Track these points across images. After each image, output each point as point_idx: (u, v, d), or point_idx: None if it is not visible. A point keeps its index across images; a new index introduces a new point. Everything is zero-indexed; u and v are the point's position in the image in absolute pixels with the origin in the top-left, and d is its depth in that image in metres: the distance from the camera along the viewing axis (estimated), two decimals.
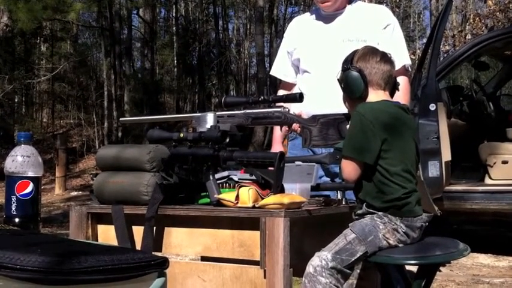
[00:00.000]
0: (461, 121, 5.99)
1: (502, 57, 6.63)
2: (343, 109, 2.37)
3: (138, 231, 2.14)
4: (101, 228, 2.28)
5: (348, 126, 2.27)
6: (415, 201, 2.13)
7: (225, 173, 2.16)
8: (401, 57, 2.79)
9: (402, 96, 2.69)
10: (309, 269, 2.02)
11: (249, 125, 2.42)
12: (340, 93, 2.30)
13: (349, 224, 2.12)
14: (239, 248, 2.00)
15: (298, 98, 2.42)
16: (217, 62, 20.65)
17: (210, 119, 2.27)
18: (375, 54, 2.22)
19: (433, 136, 4.96)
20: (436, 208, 2.22)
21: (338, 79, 2.24)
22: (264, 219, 1.91)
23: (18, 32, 16.29)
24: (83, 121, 19.45)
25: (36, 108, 21.48)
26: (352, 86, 2.19)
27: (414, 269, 2.28)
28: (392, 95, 2.26)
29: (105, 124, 18.17)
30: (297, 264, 2.00)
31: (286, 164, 2.10)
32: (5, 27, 15.21)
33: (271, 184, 2.03)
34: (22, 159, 1.84)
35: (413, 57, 10.02)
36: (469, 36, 11.21)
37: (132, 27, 20.75)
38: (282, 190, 2.06)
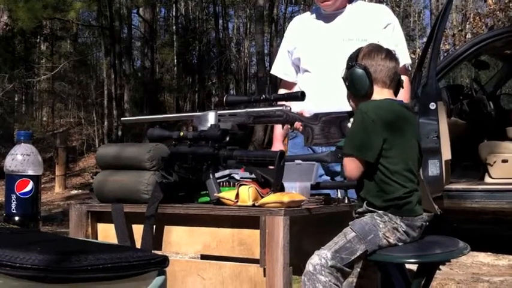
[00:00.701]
0: (461, 120, 5.99)
1: (502, 56, 6.63)
2: (343, 108, 2.36)
3: (138, 230, 2.14)
4: (101, 227, 2.29)
5: (350, 124, 2.27)
6: (415, 201, 2.13)
7: (226, 172, 2.16)
8: (402, 57, 2.79)
9: (403, 95, 2.68)
10: (309, 267, 2.02)
11: (251, 123, 2.42)
12: (341, 92, 2.30)
13: (350, 223, 2.12)
14: (239, 246, 2.00)
15: (300, 96, 2.42)
16: (217, 61, 20.65)
17: (211, 117, 2.27)
18: (380, 51, 2.21)
19: (433, 135, 4.95)
20: (436, 207, 2.22)
21: (342, 77, 2.23)
22: (263, 217, 1.91)
23: (18, 31, 16.29)
24: (82, 120, 19.47)
25: (36, 107, 21.50)
26: (357, 83, 2.18)
27: (414, 267, 2.28)
28: (396, 92, 2.25)
29: (105, 123, 18.18)
30: (297, 263, 2.00)
31: (286, 163, 2.10)
32: (5, 26, 15.21)
33: (271, 183, 2.03)
34: (22, 157, 1.84)
35: (414, 56, 10.03)
36: (469, 35, 11.22)
37: (132, 26, 20.75)
38: (281, 189, 2.06)
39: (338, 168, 2.48)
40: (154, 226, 2.10)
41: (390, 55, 2.22)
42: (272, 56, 19.19)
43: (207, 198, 2.13)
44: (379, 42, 2.67)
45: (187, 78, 21.98)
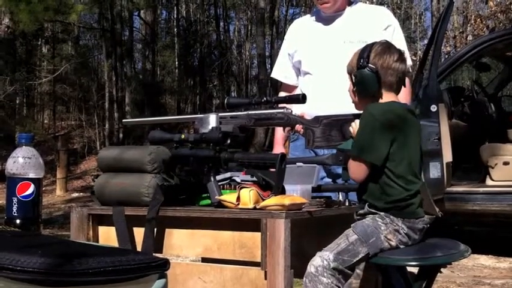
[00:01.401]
0: (462, 122, 5.99)
1: (503, 58, 6.63)
2: (345, 110, 2.36)
3: (139, 233, 2.14)
4: (102, 230, 2.29)
5: (350, 127, 2.26)
6: (417, 203, 2.12)
7: (228, 174, 2.16)
8: None
9: (404, 97, 2.69)
10: (310, 268, 2.02)
11: (252, 126, 2.42)
12: (343, 94, 2.29)
13: (351, 225, 2.12)
14: (240, 249, 2.00)
15: (301, 99, 2.42)
16: (219, 63, 20.66)
17: (212, 120, 2.27)
18: (393, 52, 2.17)
19: (434, 137, 4.96)
20: (437, 209, 2.22)
21: (352, 74, 2.20)
22: (264, 220, 1.91)
23: (20, 33, 16.32)
24: (84, 122, 19.47)
25: (38, 109, 21.51)
26: (365, 85, 2.16)
27: (415, 270, 2.28)
28: (398, 92, 2.24)
29: (106, 125, 18.19)
30: (298, 266, 2.00)
31: (287, 165, 2.10)
32: (6, 29, 15.23)
33: (272, 185, 2.03)
34: (23, 160, 1.84)
35: (415, 59, 10.03)
36: (470, 38, 11.22)
37: (134, 28, 20.76)
38: (283, 191, 2.06)
39: (340, 171, 2.48)
40: (155, 229, 2.10)
41: (402, 57, 2.20)
42: (273, 58, 19.19)
43: (208, 201, 2.13)
44: None
45: (188, 81, 21.99)
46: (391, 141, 2.08)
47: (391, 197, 2.10)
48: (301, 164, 2.38)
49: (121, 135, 17.79)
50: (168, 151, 2.17)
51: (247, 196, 1.98)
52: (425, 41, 15.74)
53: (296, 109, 2.62)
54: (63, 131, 19.38)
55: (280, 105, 2.42)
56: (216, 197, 2.07)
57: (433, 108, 5.03)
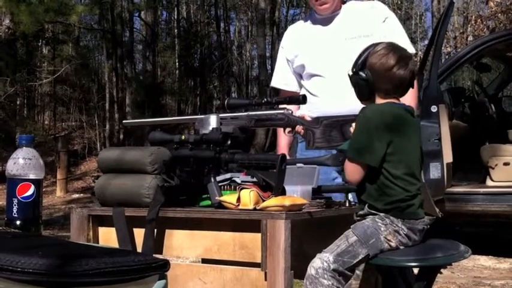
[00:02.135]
0: (462, 123, 5.99)
1: (503, 58, 6.63)
2: (358, 107, 2.33)
3: (139, 234, 2.14)
4: (102, 231, 2.28)
5: (351, 127, 2.26)
6: (418, 204, 2.12)
7: (228, 175, 2.16)
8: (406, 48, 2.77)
9: (409, 98, 2.67)
10: (311, 270, 2.02)
11: (252, 126, 2.42)
12: (352, 91, 2.27)
13: (351, 226, 2.12)
14: (240, 250, 2.00)
15: (302, 99, 2.42)
16: (219, 64, 20.66)
17: (212, 121, 2.27)
18: (390, 58, 2.11)
19: (434, 138, 4.96)
20: (438, 210, 2.22)
21: (349, 75, 2.20)
22: (265, 221, 1.91)
23: (20, 34, 16.29)
24: (84, 123, 19.48)
25: (38, 110, 21.52)
26: (357, 90, 2.17)
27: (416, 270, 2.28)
28: (403, 94, 2.21)
29: (107, 126, 18.21)
30: (298, 267, 2.00)
31: (287, 166, 2.10)
32: (7, 30, 15.22)
33: (273, 186, 2.03)
34: (23, 161, 1.84)
35: (415, 59, 10.02)
36: (470, 38, 11.22)
37: (134, 29, 20.79)
38: (283, 192, 2.06)
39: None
40: (155, 230, 2.10)
41: (402, 62, 2.11)
42: (273, 59, 19.21)
43: (208, 202, 2.13)
44: (382, 37, 2.66)
45: (188, 81, 22.00)
46: (388, 142, 2.07)
47: (391, 197, 2.09)
48: (301, 164, 2.38)
49: (121, 136, 17.80)
50: (169, 152, 2.17)
51: (248, 197, 1.98)
52: (426, 42, 15.74)
53: (306, 109, 2.62)
54: (64, 132, 19.39)
55: (281, 105, 2.42)
56: (216, 197, 2.07)
57: (434, 108, 5.04)
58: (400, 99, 2.20)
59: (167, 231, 2.15)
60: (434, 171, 4.92)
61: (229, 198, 2.03)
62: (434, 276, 2.22)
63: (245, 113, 2.38)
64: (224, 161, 2.13)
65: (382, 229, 2.08)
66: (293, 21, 23.93)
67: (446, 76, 5.75)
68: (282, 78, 3.04)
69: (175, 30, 21.95)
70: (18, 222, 1.82)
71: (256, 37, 17.78)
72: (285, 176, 2.07)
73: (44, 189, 1.96)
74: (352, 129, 2.24)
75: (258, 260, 1.93)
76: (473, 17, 11.99)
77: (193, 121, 2.50)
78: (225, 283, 2.01)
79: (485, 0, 11.74)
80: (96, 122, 19.19)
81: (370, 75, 2.11)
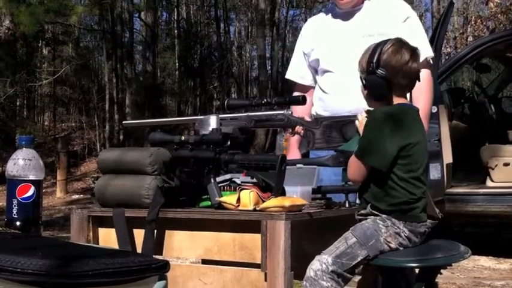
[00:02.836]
0: (462, 123, 5.99)
1: (503, 59, 6.63)
2: (365, 105, 2.31)
3: (139, 234, 2.14)
4: (102, 232, 2.29)
5: (356, 121, 2.23)
6: (421, 207, 2.11)
7: (228, 176, 2.16)
8: (424, 50, 2.71)
9: (425, 90, 2.67)
10: (310, 273, 2.02)
11: (252, 127, 2.42)
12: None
13: (351, 228, 2.11)
14: (240, 251, 2.00)
15: (301, 100, 2.41)
16: (219, 64, 20.67)
17: (212, 121, 2.27)
18: (404, 52, 2.11)
19: (434, 138, 4.95)
20: (438, 211, 2.21)
21: (360, 76, 2.16)
22: (265, 222, 1.91)
23: (20, 35, 16.32)
24: (84, 124, 19.48)
25: (38, 111, 21.51)
26: (375, 91, 2.13)
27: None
28: (411, 90, 2.22)
29: (107, 127, 18.20)
30: (298, 267, 2.00)
31: (287, 167, 2.10)
32: (7, 31, 15.22)
33: (272, 187, 2.03)
34: (23, 162, 1.84)
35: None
36: (470, 39, 11.23)
37: (134, 30, 20.77)
38: (283, 193, 2.06)
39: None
40: (155, 231, 2.10)
41: (415, 55, 2.13)
42: (273, 59, 19.22)
43: (208, 203, 2.13)
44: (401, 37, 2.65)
45: (188, 82, 22.00)
46: (400, 146, 2.05)
47: (395, 199, 2.08)
48: (301, 165, 2.38)
49: (121, 137, 17.80)
50: (169, 153, 2.17)
51: (248, 198, 1.98)
52: None
53: (320, 108, 2.61)
54: (64, 133, 19.38)
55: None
56: (216, 198, 2.07)
57: (433, 109, 5.01)
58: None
59: (167, 232, 2.15)
60: (434, 171, 4.92)
61: (229, 199, 2.04)
62: (434, 276, 2.22)
63: (245, 114, 2.38)
64: (224, 161, 2.13)
65: (382, 231, 2.07)
66: (293, 21, 23.98)
67: (446, 77, 5.74)
68: (297, 71, 2.99)
69: (175, 31, 21.95)
70: (18, 223, 1.82)
71: (256, 38, 17.77)
72: (284, 177, 2.07)
73: (43, 190, 1.96)
74: (357, 122, 2.20)
75: (258, 261, 1.93)
76: (473, 17, 12.00)
77: (193, 122, 2.50)
78: (225, 284, 2.01)
79: (485, 1, 11.73)
80: (96, 122, 19.19)
81: (387, 73, 2.09)
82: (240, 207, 2.00)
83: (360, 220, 2.13)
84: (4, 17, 14.94)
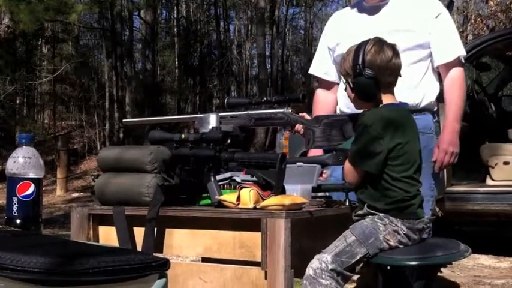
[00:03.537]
0: (462, 122, 5.97)
1: (503, 58, 6.62)
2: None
3: (139, 233, 2.14)
4: (102, 230, 2.29)
5: (350, 127, 2.25)
6: (418, 204, 2.12)
7: (228, 174, 2.16)
8: (456, 48, 2.71)
9: (458, 88, 2.67)
10: (309, 271, 2.02)
11: (252, 125, 2.42)
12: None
13: (350, 227, 2.12)
14: (240, 249, 2.00)
15: (301, 98, 2.41)
16: (219, 63, 20.67)
17: (212, 120, 2.27)
18: (386, 50, 2.13)
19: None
20: (438, 209, 2.22)
21: (349, 81, 2.16)
22: (265, 220, 1.91)
23: (20, 33, 16.32)
24: (84, 122, 19.48)
25: (38, 109, 21.51)
26: (365, 92, 2.14)
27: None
28: (395, 84, 2.21)
29: (107, 125, 18.20)
30: (298, 265, 2.00)
31: (287, 165, 2.10)
32: (6, 29, 15.22)
33: (273, 185, 2.03)
34: (23, 160, 1.84)
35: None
36: (470, 37, 11.21)
37: (134, 28, 20.77)
38: (283, 191, 2.06)
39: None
40: (155, 229, 2.10)
41: (396, 51, 2.15)
42: (273, 58, 19.22)
43: (208, 201, 2.13)
44: (431, 33, 2.62)
45: (188, 80, 22.00)
46: (389, 148, 2.06)
47: (391, 198, 2.09)
48: (301, 163, 2.38)
49: (121, 135, 17.80)
50: (169, 151, 2.17)
51: (248, 196, 1.98)
52: None
53: (343, 105, 2.59)
54: (64, 131, 19.38)
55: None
56: (216, 196, 2.07)
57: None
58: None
59: (167, 230, 2.15)
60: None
61: (229, 197, 2.04)
62: (434, 275, 2.22)
63: (245, 112, 2.38)
64: (224, 160, 2.13)
65: (381, 229, 2.08)
66: (293, 20, 23.97)
67: None
68: (321, 67, 2.94)
69: (175, 29, 21.94)
70: (18, 221, 1.82)
71: (255, 36, 17.77)
72: (284, 175, 2.07)
73: (44, 188, 1.97)
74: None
75: (258, 259, 1.94)
76: (473, 16, 11.98)
77: (193, 120, 2.50)
78: (225, 282, 2.01)
79: (485, 0, 11.74)
80: (96, 121, 19.19)
81: (374, 72, 2.11)
82: (240, 206, 2.00)
83: (358, 221, 2.14)
84: (4, 15, 14.94)
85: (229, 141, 2.16)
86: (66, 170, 13.72)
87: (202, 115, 2.34)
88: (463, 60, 2.80)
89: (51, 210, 10.71)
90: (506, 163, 5.36)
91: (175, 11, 21.90)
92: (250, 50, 22.14)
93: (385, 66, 2.12)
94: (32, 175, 1.84)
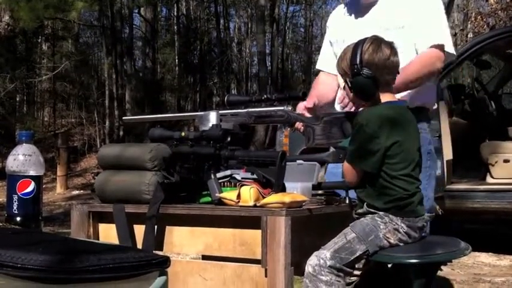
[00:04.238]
0: (462, 120, 5.98)
1: (503, 55, 6.62)
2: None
3: (139, 230, 2.14)
4: (102, 227, 2.29)
5: (350, 125, 2.25)
6: (417, 201, 2.12)
7: (228, 172, 2.16)
8: (440, 37, 2.61)
9: (417, 64, 2.52)
10: (308, 269, 2.02)
11: (252, 123, 2.42)
12: None
13: (350, 224, 2.12)
14: (240, 246, 2.00)
15: (302, 96, 2.41)
16: (219, 60, 20.65)
17: (212, 117, 2.27)
18: (384, 48, 2.12)
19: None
20: (438, 207, 2.22)
21: (348, 80, 2.16)
22: (265, 218, 1.91)
23: (20, 31, 16.31)
24: (84, 120, 19.48)
25: (38, 107, 21.51)
26: (364, 91, 2.13)
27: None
28: (394, 83, 2.21)
29: (107, 123, 18.19)
30: (299, 263, 2.00)
31: (287, 163, 2.10)
32: (6, 26, 15.21)
33: (273, 183, 2.03)
34: (23, 158, 1.84)
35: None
36: (470, 35, 11.22)
37: (134, 26, 20.75)
38: (283, 189, 2.06)
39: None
40: (155, 226, 2.10)
41: (394, 49, 2.15)
42: (273, 55, 19.21)
43: (208, 199, 2.13)
44: (420, 28, 2.56)
45: (188, 78, 21.99)
46: (386, 146, 2.06)
47: (390, 197, 2.09)
48: (301, 161, 2.38)
49: (121, 133, 17.79)
50: (169, 148, 2.17)
51: (248, 194, 1.98)
52: None
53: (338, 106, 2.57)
54: (64, 129, 19.36)
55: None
56: (217, 194, 2.07)
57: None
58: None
59: (167, 228, 2.15)
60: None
61: (229, 195, 2.04)
62: (434, 273, 2.22)
63: (245, 110, 2.38)
64: (224, 157, 2.13)
65: (381, 227, 2.08)
66: (293, 18, 23.96)
67: (446, 73, 5.74)
68: (329, 62, 2.86)
69: (175, 27, 21.93)
70: (18, 219, 1.82)
71: (256, 34, 17.76)
72: (285, 173, 2.07)
73: (44, 186, 1.97)
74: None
75: (258, 257, 1.94)
76: (473, 14, 11.98)
77: (193, 118, 2.50)
78: (225, 279, 2.01)
79: None
80: (96, 118, 19.18)
81: (372, 71, 2.10)
82: (240, 203, 2.00)
83: (358, 219, 2.14)
84: (4, 12, 14.94)
85: (229, 139, 2.16)
86: (66, 167, 13.73)
87: (202, 113, 2.34)
88: (448, 51, 2.65)
89: (51, 207, 10.71)
90: (506, 161, 5.37)
91: (175, 9, 21.89)
92: (250, 48, 22.15)
93: (383, 64, 2.11)
94: (32, 173, 1.84)
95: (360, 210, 2.14)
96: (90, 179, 14.15)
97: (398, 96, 2.34)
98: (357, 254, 2.04)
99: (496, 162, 5.40)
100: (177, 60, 21.33)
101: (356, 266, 2.12)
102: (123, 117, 3.27)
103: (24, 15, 11.68)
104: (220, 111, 2.34)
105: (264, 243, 1.91)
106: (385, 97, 2.16)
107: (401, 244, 2.10)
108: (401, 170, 2.09)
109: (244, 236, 1.99)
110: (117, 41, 18.78)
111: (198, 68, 21.47)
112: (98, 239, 2.25)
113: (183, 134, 2.21)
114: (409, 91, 2.57)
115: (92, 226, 2.27)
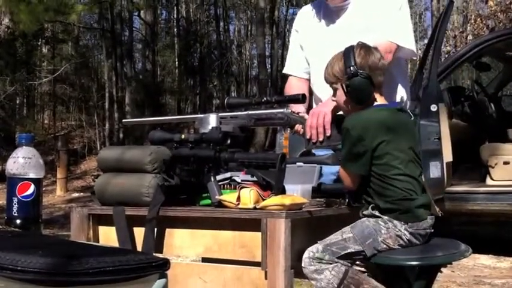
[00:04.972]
0: (462, 122, 5.99)
1: (503, 58, 6.63)
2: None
3: (139, 233, 2.14)
4: (102, 230, 2.28)
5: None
6: (419, 204, 2.10)
7: (228, 174, 2.16)
8: (400, 36, 2.56)
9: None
10: (303, 263, 2.02)
11: (252, 126, 2.41)
12: None
13: (351, 225, 2.11)
14: (240, 249, 2.00)
15: (301, 98, 2.41)
16: (219, 63, 20.67)
17: (212, 120, 2.27)
18: (374, 52, 2.16)
19: (434, 137, 4.96)
20: (438, 209, 2.21)
21: (342, 84, 2.15)
22: (265, 220, 1.91)
23: (20, 33, 16.29)
24: (84, 122, 19.48)
25: (38, 109, 21.52)
26: (361, 92, 2.14)
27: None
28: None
29: (107, 125, 18.20)
30: (298, 265, 2.00)
31: (287, 165, 2.10)
32: (6, 29, 15.21)
33: (273, 185, 2.03)
34: (23, 160, 1.84)
35: (415, 58, 10.01)
36: (470, 37, 11.23)
37: (133, 28, 20.78)
38: (283, 191, 2.06)
39: None
40: (155, 229, 2.10)
41: (380, 52, 2.19)
42: (273, 58, 19.23)
43: (208, 201, 2.13)
44: (390, 27, 2.54)
45: (188, 81, 22.01)
46: (372, 148, 2.07)
47: (390, 198, 2.09)
48: (301, 163, 2.38)
49: (121, 135, 17.80)
50: (169, 151, 2.17)
51: (248, 196, 1.98)
52: (426, 41, 15.73)
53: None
54: (63, 131, 19.37)
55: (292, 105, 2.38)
56: (216, 196, 2.07)
57: (433, 108, 5.04)
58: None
59: (167, 230, 2.15)
60: (434, 170, 4.93)
61: (229, 197, 2.03)
62: (434, 275, 2.22)
63: (245, 112, 2.38)
64: (224, 160, 2.13)
65: (382, 231, 2.07)
66: (292, 20, 23.98)
67: (446, 75, 5.75)
68: (296, 65, 2.82)
69: (175, 30, 21.95)
70: (18, 221, 1.82)
71: (255, 36, 17.78)
72: (285, 175, 2.07)
73: (44, 189, 1.97)
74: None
75: (258, 259, 1.93)
76: (473, 16, 12.00)
77: (193, 120, 2.50)
78: (225, 282, 2.01)
79: (484, 0, 11.74)
80: (96, 121, 19.19)
81: (369, 71, 2.13)
82: (240, 206, 2.00)
83: (363, 218, 2.14)
84: (4, 15, 14.94)
85: (229, 141, 2.16)
86: (66, 170, 13.72)
87: (202, 115, 2.33)
88: (406, 47, 2.59)
89: (51, 210, 10.71)
90: (506, 163, 5.37)
91: (175, 11, 21.91)
92: (250, 50, 22.17)
93: (375, 66, 2.14)
94: (32, 175, 1.84)
95: (365, 212, 2.14)
96: (90, 181, 14.16)
97: None
98: (348, 251, 2.04)
99: (495, 164, 5.40)
100: (177, 63, 21.35)
101: (357, 262, 2.12)
102: (123, 120, 3.27)
103: (24, 18, 11.67)
104: (220, 114, 2.34)
105: (264, 246, 1.91)
106: (378, 99, 2.17)
107: (400, 248, 2.10)
108: (393, 169, 2.09)
109: (244, 238, 1.99)
110: (117, 43, 18.80)
111: (198, 70, 21.49)
112: (98, 242, 2.25)
113: (183, 136, 2.21)
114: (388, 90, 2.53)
115: (91, 229, 2.27)
